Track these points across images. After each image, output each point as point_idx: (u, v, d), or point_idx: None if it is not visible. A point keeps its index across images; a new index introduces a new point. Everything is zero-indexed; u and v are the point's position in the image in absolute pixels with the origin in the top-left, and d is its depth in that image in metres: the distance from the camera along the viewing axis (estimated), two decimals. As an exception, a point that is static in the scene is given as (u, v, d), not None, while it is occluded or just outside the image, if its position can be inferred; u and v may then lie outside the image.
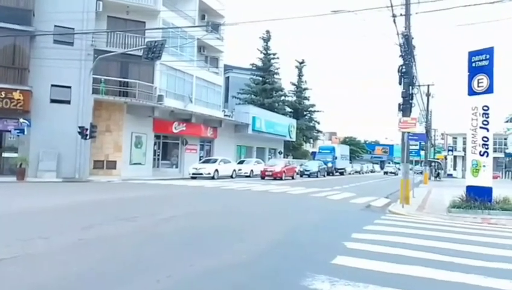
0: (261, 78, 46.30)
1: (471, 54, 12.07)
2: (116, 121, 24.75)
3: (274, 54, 47.33)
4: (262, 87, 45.67)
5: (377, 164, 76.60)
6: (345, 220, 10.26)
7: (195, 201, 13.46)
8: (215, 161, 27.55)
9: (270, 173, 27.45)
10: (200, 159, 30.25)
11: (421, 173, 33.12)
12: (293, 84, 53.31)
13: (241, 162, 32.15)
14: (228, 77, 45.68)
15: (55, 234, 6.76)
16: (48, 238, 6.33)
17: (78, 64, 22.10)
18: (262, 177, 27.57)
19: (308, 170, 33.78)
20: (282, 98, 49.19)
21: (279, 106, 47.39)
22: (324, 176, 36.19)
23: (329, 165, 40.61)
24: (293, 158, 44.52)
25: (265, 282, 4.54)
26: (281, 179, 27.02)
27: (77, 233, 6.83)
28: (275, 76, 47.87)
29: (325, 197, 15.75)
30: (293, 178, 29.18)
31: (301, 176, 32.62)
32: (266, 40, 46.96)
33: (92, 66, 22.02)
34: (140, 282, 4.34)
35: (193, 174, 25.78)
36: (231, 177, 27.68)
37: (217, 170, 26.16)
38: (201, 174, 25.53)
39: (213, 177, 25.47)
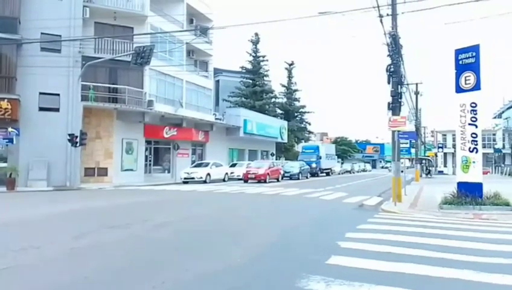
0: (251, 81, 46.38)
1: (458, 52, 12.21)
2: (106, 128, 24.57)
3: (263, 57, 47.52)
4: (253, 90, 45.74)
5: (368, 163, 77.11)
6: (338, 220, 10.30)
7: (188, 206, 13.41)
8: (207, 164, 27.37)
9: (253, 176, 25.88)
10: (192, 164, 30.12)
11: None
12: (283, 86, 53.53)
13: (233, 165, 32.02)
14: (218, 81, 45.68)
15: (47, 243, 6.68)
16: (40, 248, 6.26)
17: (66, 71, 21.91)
18: (245, 181, 25.99)
19: (289, 172, 31.12)
20: (273, 100, 49.35)
21: (270, 108, 47.52)
22: (307, 177, 33.79)
23: (314, 165, 38.11)
24: (285, 159, 44.57)
25: (260, 285, 4.54)
26: (265, 181, 25.69)
27: (69, 242, 6.76)
28: (265, 78, 48.01)
29: (318, 197, 15.79)
30: (278, 180, 27.84)
31: (282, 178, 29.69)
32: (255, 42, 47.09)
33: (80, 72, 21.86)
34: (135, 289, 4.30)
35: (185, 178, 25.56)
36: (223, 180, 27.46)
37: (209, 174, 25.98)
38: (193, 178, 25.32)
39: (205, 181, 25.21)
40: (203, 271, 4.93)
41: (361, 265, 5.12)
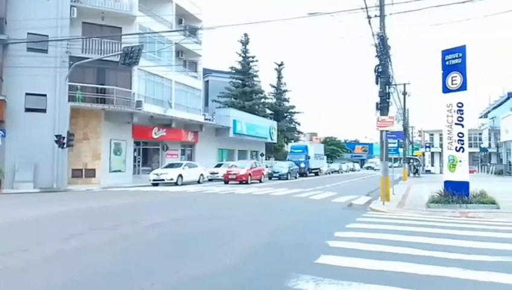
0: (240, 81, 46.38)
1: (445, 53, 12.38)
2: (93, 129, 24.33)
3: (253, 57, 47.53)
4: (242, 90, 45.75)
5: (357, 162, 77.64)
6: (327, 220, 10.36)
7: (177, 207, 13.35)
8: (179, 165, 25.45)
9: (234, 177, 24.81)
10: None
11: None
12: (273, 87, 53.68)
13: (218, 166, 30.67)
14: (207, 81, 45.59)
15: (34, 245, 6.60)
16: (28, 251, 6.18)
17: (53, 71, 21.66)
18: (226, 182, 24.88)
19: (277, 172, 30.76)
20: (262, 100, 49.40)
21: (260, 108, 47.58)
22: (296, 177, 33.10)
23: (302, 165, 37.73)
24: (275, 159, 44.67)
25: (250, 285, 4.55)
26: (246, 182, 24.55)
27: (57, 244, 6.68)
28: (255, 79, 48.07)
29: (307, 197, 15.86)
30: (260, 181, 26.75)
31: (270, 178, 29.71)
32: (244, 43, 47.09)
33: (67, 73, 21.63)
34: (124, 291, 4.29)
35: (154, 180, 23.54)
36: (198, 182, 25.84)
37: (180, 175, 23.94)
38: (162, 180, 23.33)
39: (176, 183, 23.17)
40: (193, 273, 4.93)
41: (350, 264, 5.17)
